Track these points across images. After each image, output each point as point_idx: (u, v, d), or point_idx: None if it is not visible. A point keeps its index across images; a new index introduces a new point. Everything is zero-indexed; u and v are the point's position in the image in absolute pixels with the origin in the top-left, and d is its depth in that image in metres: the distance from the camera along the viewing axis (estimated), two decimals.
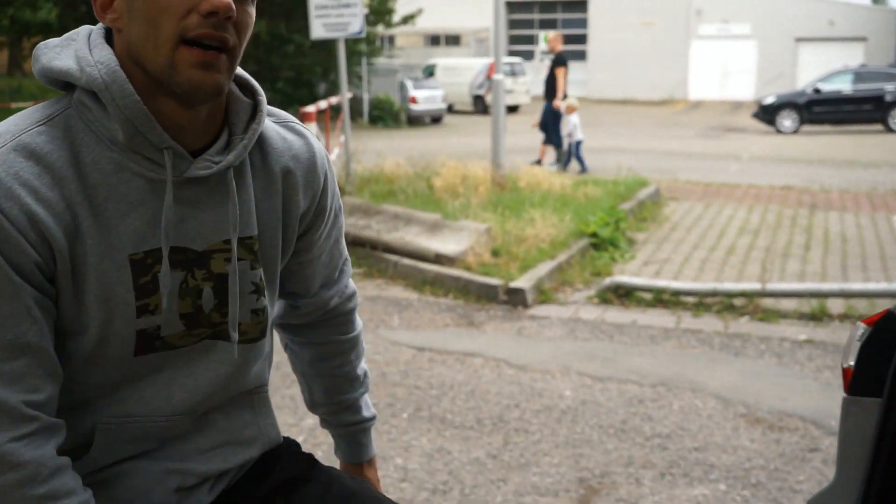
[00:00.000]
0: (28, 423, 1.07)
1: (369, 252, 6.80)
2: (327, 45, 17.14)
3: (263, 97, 1.19)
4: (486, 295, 5.93)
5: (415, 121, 22.55)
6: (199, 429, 1.25)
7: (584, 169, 11.93)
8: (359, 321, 1.49)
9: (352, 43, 18.58)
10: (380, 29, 24.05)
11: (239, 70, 1.16)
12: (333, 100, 11.28)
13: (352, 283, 1.46)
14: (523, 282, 5.91)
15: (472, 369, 4.60)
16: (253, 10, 1.10)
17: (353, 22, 8.64)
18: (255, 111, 1.18)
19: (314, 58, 21.38)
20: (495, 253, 6.44)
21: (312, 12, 8.70)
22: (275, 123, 1.25)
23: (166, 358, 1.18)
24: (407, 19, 24.69)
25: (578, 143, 12.14)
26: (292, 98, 20.83)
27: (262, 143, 1.21)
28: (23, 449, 1.06)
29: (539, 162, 12.27)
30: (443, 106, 23.19)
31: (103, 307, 1.11)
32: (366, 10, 15.00)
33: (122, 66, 1.07)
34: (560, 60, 12.22)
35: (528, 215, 7.21)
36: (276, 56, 22.29)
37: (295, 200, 1.24)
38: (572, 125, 12.06)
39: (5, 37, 22.27)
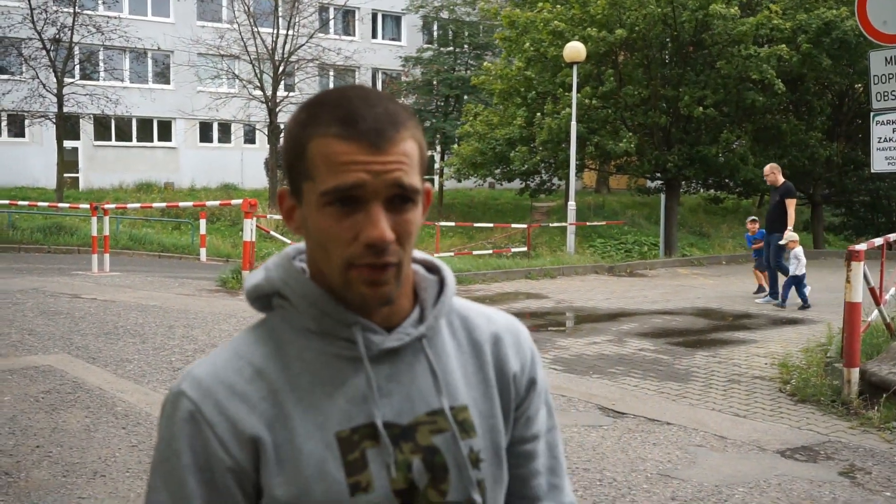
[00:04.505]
0: None
1: None
2: None
3: (447, 273, 1.24)
4: None
5: None
6: None
7: (806, 304, 11.51)
8: None
9: None
10: None
11: (420, 254, 1.24)
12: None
13: None
14: None
15: None
16: (415, 213, 1.11)
17: None
18: (442, 286, 1.23)
19: (893, 182, 19.16)
20: None
21: (874, 144, 8.05)
22: (479, 307, 1.30)
23: None
24: None
25: (802, 278, 11.64)
26: (869, 223, 18.91)
27: (465, 320, 1.25)
28: None
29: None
30: None
31: (317, 488, 1.11)
32: None
33: (310, 264, 1.16)
34: (789, 192, 11.93)
35: None
36: (850, 179, 20.46)
37: (507, 364, 1.24)
38: (796, 260, 11.59)
39: (593, 161, 24.07)
